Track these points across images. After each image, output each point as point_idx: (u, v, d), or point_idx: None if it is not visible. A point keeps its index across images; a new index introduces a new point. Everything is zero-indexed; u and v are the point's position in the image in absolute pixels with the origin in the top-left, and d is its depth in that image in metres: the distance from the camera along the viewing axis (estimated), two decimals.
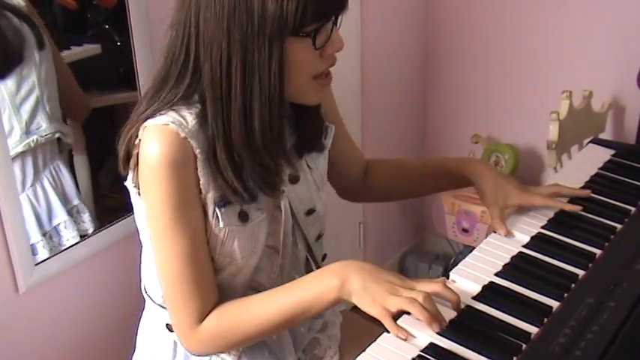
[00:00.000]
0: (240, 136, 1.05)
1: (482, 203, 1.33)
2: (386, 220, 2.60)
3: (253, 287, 1.19)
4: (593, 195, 1.39)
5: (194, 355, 1.17)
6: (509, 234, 1.27)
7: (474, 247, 1.25)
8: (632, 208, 1.36)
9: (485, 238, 1.28)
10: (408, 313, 1.04)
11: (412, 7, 2.46)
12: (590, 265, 1.20)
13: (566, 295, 1.12)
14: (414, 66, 2.54)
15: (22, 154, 1.46)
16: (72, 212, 1.59)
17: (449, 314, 1.07)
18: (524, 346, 1.02)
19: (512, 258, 1.22)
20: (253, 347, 1.21)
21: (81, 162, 1.63)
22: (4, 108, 1.41)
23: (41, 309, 1.53)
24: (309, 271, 1.27)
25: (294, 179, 1.20)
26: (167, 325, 1.21)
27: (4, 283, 1.43)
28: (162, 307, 1.20)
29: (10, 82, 1.42)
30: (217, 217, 1.09)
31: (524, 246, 1.25)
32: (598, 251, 1.23)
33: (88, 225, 1.61)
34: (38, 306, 1.52)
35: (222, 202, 1.09)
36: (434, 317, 1.03)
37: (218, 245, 1.12)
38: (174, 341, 1.22)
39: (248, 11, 1.00)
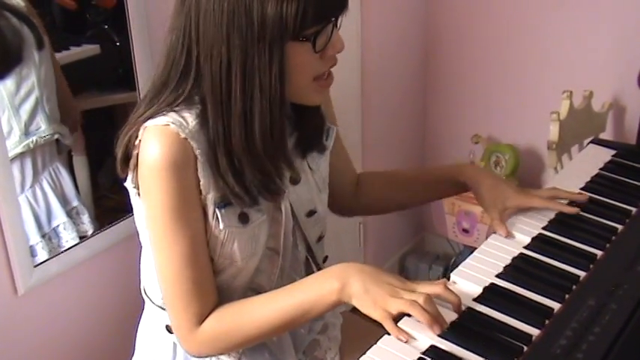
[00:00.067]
0: (240, 140, 1.05)
1: (481, 207, 1.33)
2: (386, 221, 2.59)
3: (253, 289, 1.18)
4: (593, 195, 1.38)
5: (194, 356, 1.17)
6: (509, 235, 1.27)
7: (475, 248, 1.25)
8: (633, 209, 1.36)
9: (486, 239, 1.28)
10: (409, 315, 1.04)
11: (412, 8, 2.45)
12: (591, 266, 1.19)
13: (567, 296, 1.12)
14: (414, 66, 2.54)
15: (21, 155, 1.46)
16: (71, 213, 1.58)
17: (450, 316, 1.06)
18: (525, 348, 1.02)
19: (513, 259, 1.21)
20: (253, 349, 1.21)
21: (80, 163, 1.62)
22: (4, 109, 1.40)
23: (40, 311, 1.52)
24: (309, 273, 1.26)
25: (295, 180, 1.20)
26: (167, 326, 1.20)
27: (2, 284, 1.43)
28: (162, 309, 1.20)
29: (9, 83, 1.42)
30: (217, 218, 1.09)
31: (525, 247, 1.24)
32: (599, 252, 1.23)
33: (88, 226, 1.60)
34: (37, 308, 1.51)
35: (223, 203, 1.09)
36: (435, 319, 1.02)
37: (218, 247, 1.11)
38: (174, 343, 1.22)
39: (247, 16, 0.99)
